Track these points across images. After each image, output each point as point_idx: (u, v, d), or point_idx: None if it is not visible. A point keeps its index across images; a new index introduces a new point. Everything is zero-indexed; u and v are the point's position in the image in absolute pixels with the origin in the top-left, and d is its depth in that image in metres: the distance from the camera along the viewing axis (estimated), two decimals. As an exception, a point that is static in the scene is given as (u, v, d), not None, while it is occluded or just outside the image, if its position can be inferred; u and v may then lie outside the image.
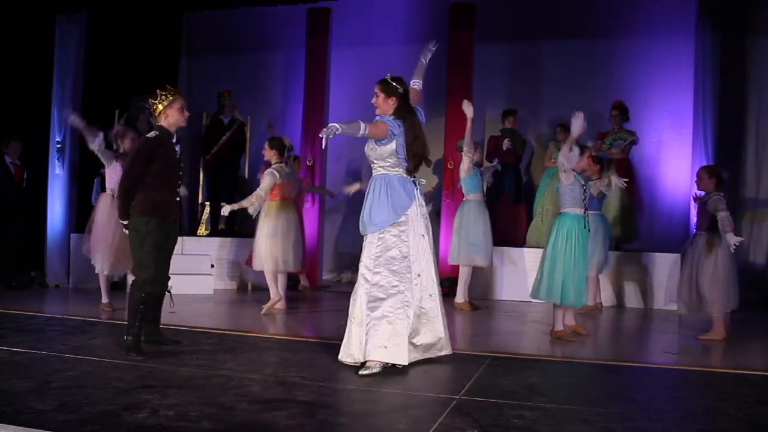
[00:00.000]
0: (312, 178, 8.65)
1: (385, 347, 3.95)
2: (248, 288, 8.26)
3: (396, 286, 4.05)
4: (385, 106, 4.22)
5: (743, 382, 4.01)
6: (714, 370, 4.45)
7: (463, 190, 7.01)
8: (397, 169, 4.20)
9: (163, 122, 4.47)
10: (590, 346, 5.16)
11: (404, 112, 4.20)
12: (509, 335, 5.76)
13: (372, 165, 4.28)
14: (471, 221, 6.89)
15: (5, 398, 3.23)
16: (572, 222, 5.20)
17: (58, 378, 3.66)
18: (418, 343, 4.18)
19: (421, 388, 3.63)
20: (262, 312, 6.27)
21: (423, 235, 4.23)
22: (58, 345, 4.60)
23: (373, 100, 4.26)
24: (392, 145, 4.14)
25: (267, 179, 6.13)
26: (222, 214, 5.84)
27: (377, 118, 4.20)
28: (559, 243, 5.16)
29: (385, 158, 4.17)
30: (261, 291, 7.54)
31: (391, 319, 3.99)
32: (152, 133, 4.39)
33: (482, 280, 7.79)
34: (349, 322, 4.16)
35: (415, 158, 4.21)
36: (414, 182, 4.26)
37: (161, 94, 4.45)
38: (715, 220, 5.28)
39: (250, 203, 5.91)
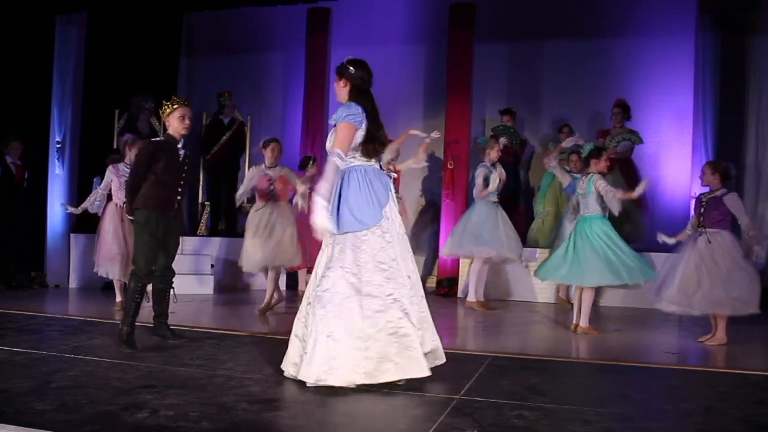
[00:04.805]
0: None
1: (395, 363, 3.54)
2: (248, 288, 8.26)
3: (391, 294, 3.60)
4: (339, 91, 3.90)
5: (743, 382, 4.01)
6: (714, 370, 4.45)
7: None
8: (368, 160, 3.79)
9: (169, 130, 4.81)
10: (590, 346, 5.16)
11: (361, 98, 3.81)
12: (510, 335, 5.76)
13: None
14: (482, 218, 6.80)
15: (5, 398, 3.23)
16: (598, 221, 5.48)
17: (58, 378, 3.66)
18: (426, 352, 3.71)
19: (421, 388, 3.62)
20: (256, 312, 6.25)
21: (404, 234, 3.84)
22: (58, 345, 4.60)
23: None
24: (361, 132, 3.73)
25: (248, 172, 6.35)
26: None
27: (338, 113, 3.76)
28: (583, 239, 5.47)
29: (354, 148, 3.75)
30: (261, 291, 7.52)
31: (396, 333, 3.56)
32: (158, 138, 4.78)
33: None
34: (305, 337, 3.70)
35: (380, 148, 3.83)
36: (389, 175, 3.96)
37: (166, 104, 4.76)
38: (725, 216, 5.24)
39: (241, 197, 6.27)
